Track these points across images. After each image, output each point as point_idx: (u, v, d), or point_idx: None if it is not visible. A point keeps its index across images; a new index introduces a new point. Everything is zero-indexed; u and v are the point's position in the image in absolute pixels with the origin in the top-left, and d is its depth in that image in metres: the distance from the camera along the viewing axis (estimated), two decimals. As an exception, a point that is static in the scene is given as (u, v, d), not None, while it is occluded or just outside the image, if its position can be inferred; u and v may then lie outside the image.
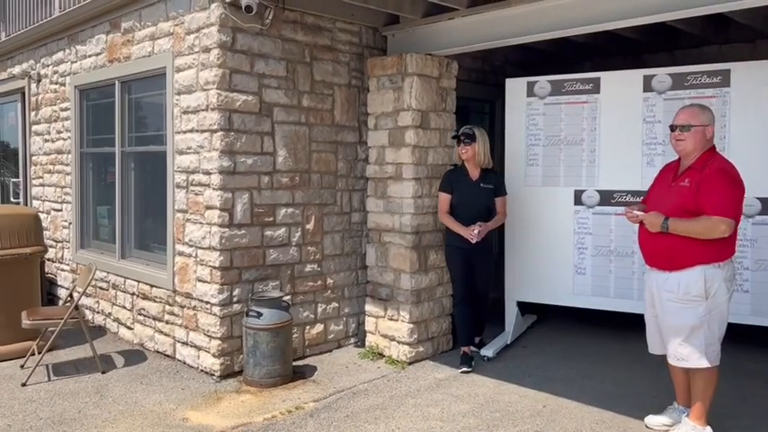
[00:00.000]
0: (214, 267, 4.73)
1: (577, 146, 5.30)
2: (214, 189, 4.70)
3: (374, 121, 5.37)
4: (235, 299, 4.82)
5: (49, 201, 7.22)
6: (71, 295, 5.38)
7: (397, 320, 5.23)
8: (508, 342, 5.51)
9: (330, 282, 5.43)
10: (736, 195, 3.40)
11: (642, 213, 3.56)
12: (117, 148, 5.89)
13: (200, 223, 4.85)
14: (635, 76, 5.08)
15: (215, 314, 4.76)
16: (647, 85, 5.02)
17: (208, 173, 4.74)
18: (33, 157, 7.57)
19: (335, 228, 5.43)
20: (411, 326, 5.15)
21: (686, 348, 3.48)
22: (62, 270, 6.98)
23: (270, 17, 4.77)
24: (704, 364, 3.46)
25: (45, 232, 7.36)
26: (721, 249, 3.43)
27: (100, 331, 6.09)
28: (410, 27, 5.28)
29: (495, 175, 5.15)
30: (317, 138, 5.26)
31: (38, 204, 7.53)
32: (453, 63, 5.36)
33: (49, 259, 7.22)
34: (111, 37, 5.86)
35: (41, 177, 7.39)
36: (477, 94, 6.80)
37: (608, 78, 5.18)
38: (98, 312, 6.28)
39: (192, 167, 4.90)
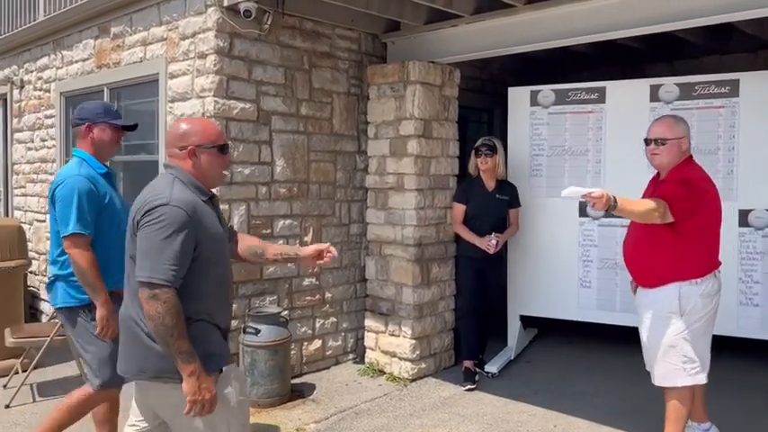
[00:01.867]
0: (210, 282, 4.53)
1: (582, 156, 5.19)
2: (210, 200, 4.50)
3: (374, 130, 5.21)
4: (231, 315, 4.61)
5: (32, 211, 6.95)
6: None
7: (398, 336, 5.06)
8: (512, 358, 5.37)
9: (328, 296, 5.25)
10: (683, 192, 3.17)
11: (599, 192, 3.07)
12: (105, 156, 5.66)
13: (195, 236, 4.64)
14: (642, 85, 4.99)
15: (210, 331, 4.55)
16: (654, 95, 4.92)
17: (203, 183, 4.54)
18: (15, 166, 7.30)
19: (334, 240, 5.25)
20: (413, 341, 4.98)
21: (663, 367, 3.32)
22: (45, 283, 6.70)
23: (268, 22, 4.60)
24: (680, 382, 3.29)
25: (27, 244, 7.09)
26: (697, 265, 3.27)
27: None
28: (411, 34, 5.15)
29: (510, 187, 5.09)
30: (316, 147, 5.09)
31: (20, 215, 7.26)
32: (456, 71, 5.23)
33: (31, 272, 6.94)
34: (100, 42, 5.65)
35: (24, 187, 7.12)
36: (476, 103, 6.67)
37: (614, 88, 5.08)
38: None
39: (186, 178, 4.70)
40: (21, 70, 7.09)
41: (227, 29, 4.45)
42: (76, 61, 6.01)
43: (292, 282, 4.98)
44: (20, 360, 4.89)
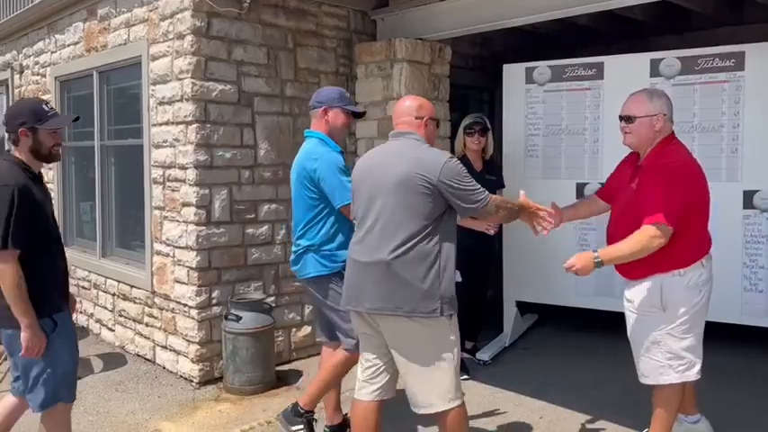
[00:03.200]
0: (191, 268, 4.46)
1: (579, 135, 4.96)
2: (190, 185, 4.42)
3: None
4: (214, 301, 4.55)
5: (34, 196, 6.97)
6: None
7: (387, 322, 4.94)
8: (506, 344, 5.20)
9: (318, 281, 5.13)
10: (673, 196, 2.85)
11: (573, 261, 2.92)
12: (96, 141, 5.62)
13: (177, 221, 4.57)
14: (641, 60, 4.72)
15: (193, 317, 4.49)
16: (655, 70, 4.66)
17: (183, 168, 4.46)
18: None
19: (323, 224, 5.12)
20: (402, 328, 4.86)
21: (647, 364, 3.06)
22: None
23: (248, 1, 4.46)
24: (665, 380, 3.04)
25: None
26: (681, 254, 2.94)
27: (82, 332, 5.84)
28: (400, 10, 4.96)
29: (496, 166, 4.93)
30: (302, 129, 4.91)
31: (23, 200, 7.29)
32: (447, 48, 5.03)
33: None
34: (88, 25, 5.58)
35: (26, 172, 7.14)
36: (476, 82, 6.46)
37: (612, 63, 4.83)
38: (81, 313, 6.03)
39: (168, 162, 4.62)
40: (20, 55, 7.08)
41: (204, 8, 4.33)
42: (68, 45, 5.96)
43: (279, 267, 4.88)
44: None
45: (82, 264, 5.90)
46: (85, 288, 5.90)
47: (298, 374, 4.76)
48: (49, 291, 2.78)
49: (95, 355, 5.24)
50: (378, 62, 4.86)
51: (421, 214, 2.70)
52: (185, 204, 4.47)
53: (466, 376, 4.58)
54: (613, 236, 3.10)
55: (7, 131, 2.79)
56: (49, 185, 6.43)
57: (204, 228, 4.44)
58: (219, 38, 4.43)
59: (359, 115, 3.63)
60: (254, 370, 4.37)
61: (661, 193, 2.86)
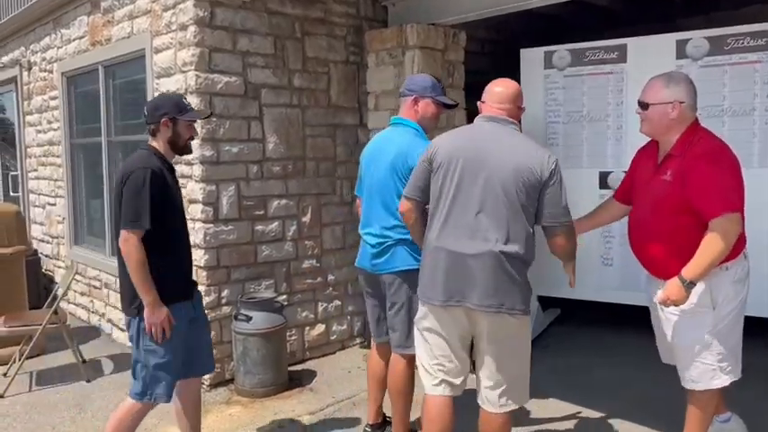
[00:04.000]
0: (199, 267, 4.32)
1: (602, 122, 4.73)
2: (196, 181, 4.27)
3: (374, 101, 4.86)
4: (224, 300, 4.41)
5: (44, 195, 6.90)
6: (54, 297, 5.03)
7: (403, 320, 4.77)
8: (527, 341, 5.01)
9: (331, 278, 4.98)
10: (729, 180, 2.67)
11: (665, 296, 2.69)
12: (103, 137, 5.50)
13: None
14: (666, 41, 4.46)
15: (202, 318, 4.35)
16: (681, 52, 4.41)
17: (189, 163, 4.31)
18: (28, 149, 7.26)
19: (336, 219, 4.96)
20: (419, 326, 4.68)
21: (698, 368, 2.84)
22: (59, 267, 6.67)
23: (253, -12, 4.29)
24: (716, 384, 2.84)
25: (41, 227, 7.08)
26: None
27: (94, 332, 5.76)
28: (412, -5, 4.76)
29: None
30: (312, 121, 4.78)
31: (34, 198, 7.23)
32: (461, 33, 4.82)
33: (46, 256, 6.92)
34: (92, 18, 5.44)
35: (36, 170, 7.07)
36: (493, 68, 6.21)
37: (635, 45, 4.58)
38: (93, 312, 5.94)
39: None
40: (27, 51, 6.98)
41: (206, -3, 4.16)
42: (74, 39, 5.84)
43: (290, 264, 4.72)
44: (20, 347, 4.81)
45: (92, 262, 5.81)
46: (96, 287, 5.80)
47: (312, 375, 4.61)
48: (170, 278, 2.86)
49: (106, 356, 5.14)
50: (389, 49, 4.66)
51: (525, 207, 2.62)
52: (192, 201, 4.32)
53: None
54: (648, 234, 2.86)
55: (148, 123, 2.96)
56: (58, 183, 6.37)
57: (212, 225, 4.29)
58: (224, 28, 4.27)
59: (450, 107, 3.51)
60: (266, 371, 4.22)
61: (716, 180, 2.63)
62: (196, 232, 4.30)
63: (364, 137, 5.02)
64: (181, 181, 4.33)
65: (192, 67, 4.17)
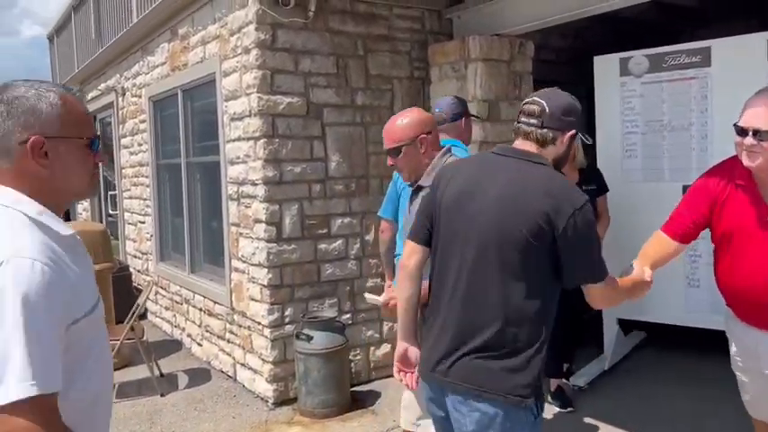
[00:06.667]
0: (264, 285, 4.37)
1: (685, 131, 4.38)
2: (260, 201, 4.33)
3: (439, 117, 4.75)
4: (287, 319, 4.43)
5: (136, 213, 7.28)
6: (134, 313, 5.26)
7: (470, 342, 4.60)
8: (605, 368, 4.69)
9: (397, 297, 4.89)
10: None
11: None
12: (183, 158, 5.73)
13: (251, 238, 4.50)
14: (756, 41, 4.06)
15: (266, 336, 4.40)
16: (774, 51, 4.01)
17: (254, 183, 4.38)
18: (123, 170, 7.70)
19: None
20: (486, 348, 4.50)
21: None
22: (147, 282, 6.99)
23: (313, 9, 4.31)
24: None
25: (132, 244, 7.46)
26: None
27: (176, 346, 5.99)
28: (476, 5, 4.62)
29: (594, 173, 4.36)
30: (376, 139, 4.71)
31: (128, 216, 7.65)
32: (528, 43, 4.63)
33: (138, 271, 7.29)
34: (172, 45, 5.69)
35: (129, 190, 7.48)
36: (569, 78, 5.93)
37: (720, 47, 4.20)
38: (176, 327, 6.18)
39: (240, 178, 4.57)
40: (122, 78, 7.42)
41: (267, 20, 4.22)
42: (157, 65, 6.13)
43: (354, 283, 4.69)
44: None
45: (175, 279, 6.04)
46: (178, 303, 6.02)
47: (376, 396, 4.53)
48: None
49: (183, 370, 5.31)
50: (451, 63, 4.55)
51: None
52: (257, 221, 4.39)
53: (570, 408, 4.15)
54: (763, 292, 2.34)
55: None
56: (146, 202, 6.69)
57: (275, 244, 4.33)
58: (285, 49, 4.31)
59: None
60: (327, 392, 4.19)
61: None
62: (260, 251, 4.36)
63: (430, 153, 4.91)
64: (247, 200, 4.45)
65: (255, 90, 4.24)
